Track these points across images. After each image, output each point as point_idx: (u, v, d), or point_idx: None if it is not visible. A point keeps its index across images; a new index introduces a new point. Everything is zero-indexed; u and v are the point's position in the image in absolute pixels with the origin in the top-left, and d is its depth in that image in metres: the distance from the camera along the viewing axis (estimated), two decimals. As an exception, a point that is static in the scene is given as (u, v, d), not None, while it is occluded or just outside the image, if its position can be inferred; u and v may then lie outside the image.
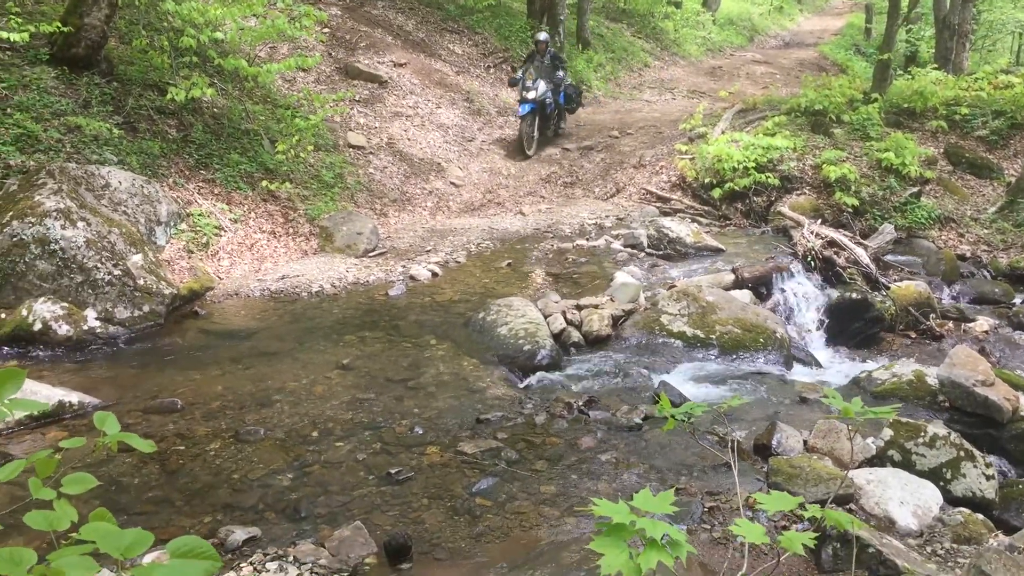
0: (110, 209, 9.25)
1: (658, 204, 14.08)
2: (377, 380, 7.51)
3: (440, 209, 14.40)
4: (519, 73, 16.11)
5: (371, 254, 11.47)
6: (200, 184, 11.18)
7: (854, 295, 10.15)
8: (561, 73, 16.59)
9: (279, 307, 9.45)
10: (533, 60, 16.29)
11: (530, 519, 5.42)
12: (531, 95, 15.67)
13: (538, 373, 7.98)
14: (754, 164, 13.50)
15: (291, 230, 11.60)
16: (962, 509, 5.51)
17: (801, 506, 1.43)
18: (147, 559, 2.79)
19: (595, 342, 8.72)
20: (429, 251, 11.66)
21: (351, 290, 10.13)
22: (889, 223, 12.30)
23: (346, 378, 7.57)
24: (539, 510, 5.51)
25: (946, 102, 15.91)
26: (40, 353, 7.86)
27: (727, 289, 9.81)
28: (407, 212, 13.97)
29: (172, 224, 10.05)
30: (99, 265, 8.49)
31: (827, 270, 10.72)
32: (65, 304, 8.18)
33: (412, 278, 10.43)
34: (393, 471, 5.96)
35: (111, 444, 1.64)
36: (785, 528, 5.21)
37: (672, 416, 1.74)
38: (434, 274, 10.64)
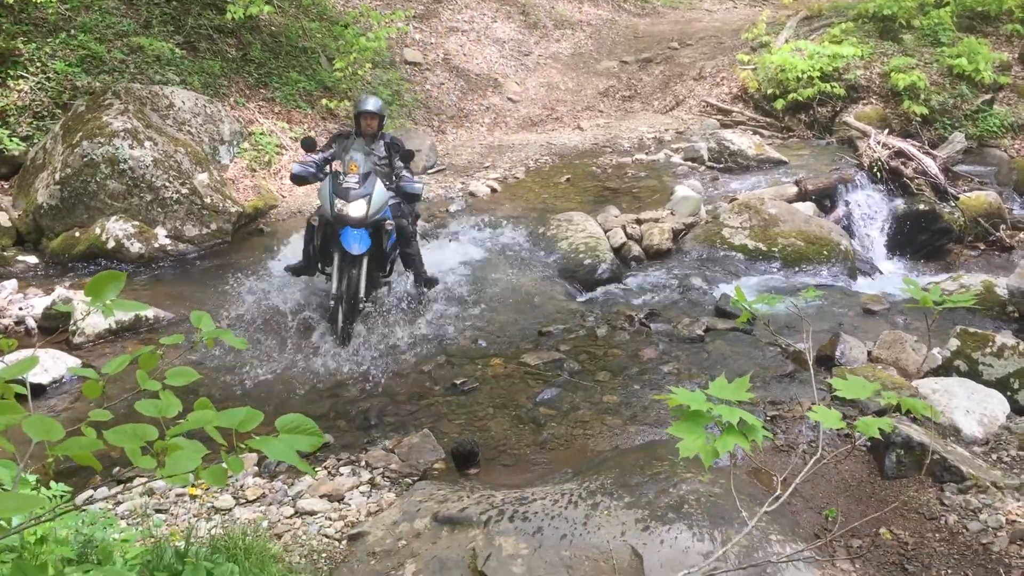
0: (175, 129, 9.39)
1: (719, 116, 13.82)
2: (438, 295, 7.62)
3: (498, 125, 14.32)
4: (318, 155, 7.21)
5: (430, 171, 11.50)
6: (260, 103, 11.26)
7: (921, 206, 9.94)
8: (407, 173, 7.35)
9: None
10: (351, 142, 7.29)
11: (593, 427, 5.52)
12: (357, 209, 6.68)
13: (599, 287, 8.02)
14: (819, 73, 13.11)
15: (351, 148, 11.67)
16: (1030, 418, 5.47)
17: (877, 393, 1.45)
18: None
19: (655, 256, 8.70)
20: (487, 167, 11.65)
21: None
22: (959, 132, 11.91)
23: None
24: (602, 419, 5.62)
25: (1022, 4, 15.18)
26: (114, 270, 8.11)
27: (790, 202, 9.66)
28: (464, 128, 13.92)
29: (235, 143, 10.18)
30: (167, 184, 8.67)
31: (894, 181, 10.48)
32: (136, 222, 8.41)
33: (471, 194, 10.46)
34: (458, 382, 6.10)
35: (207, 340, 1.73)
36: (848, 435, 5.25)
37: (747, 309, 1.77)
38: (493, 190, 10.65)
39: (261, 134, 10.64)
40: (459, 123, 13.99)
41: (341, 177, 6.70)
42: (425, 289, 7.51)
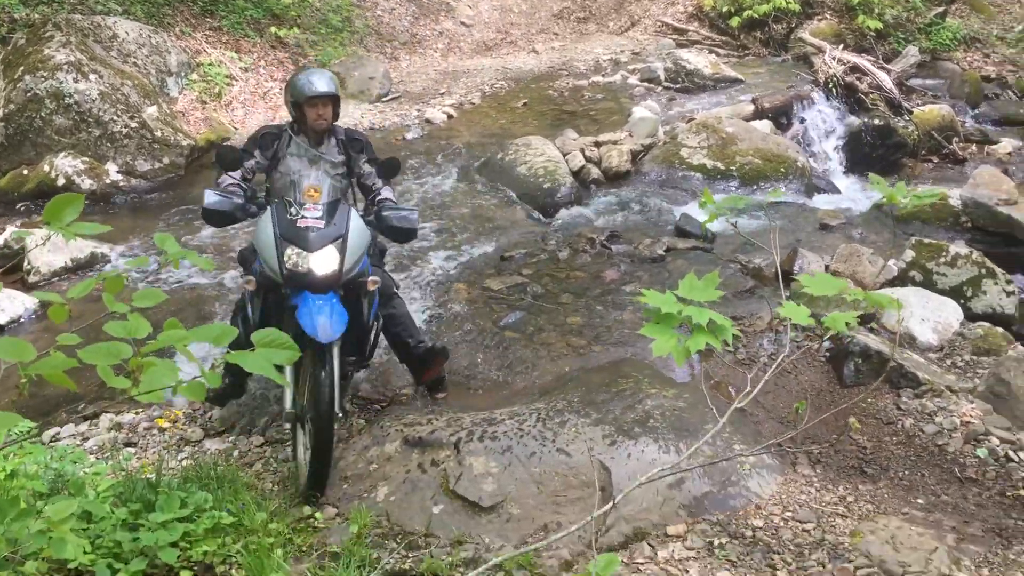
0: (120, 61, 9.11)
1: (675, 36, 13.71)
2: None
3: (452, 50, 14.08)
4: (225, 177, 4.47)
5: (385, 99, 11.32)
6: (207, 32, 10.95)
7: (876, 121, 10.00)
8: (388, 194, 4.79)
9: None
10: (286, 144, 4.59)
11: (558, 349, 5.58)
12: (325, 262, 4.00)
13: (559, 210, 8.01)
14: (774, -11, 13.01)
15: (302, 77, 11.42)
16: (982, 323, 5.61)
17: (843, 290, 1.48)
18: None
19: (615, 178, 8.69)
20: (443, 94, 11.50)
21: (367, 135, 10.05)
22: (913, 46, 11.93)
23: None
24: (566, 340, 5.67)
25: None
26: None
27: (747, 120, 9.67)
28: (418, 55, 13.68)
29: (183, 75, 9.91)
30: (115, 118, 8.44)
31: (849, 96, 10.51)
32: (86, 158, 8.20)
33: (428, 121, 10.34)
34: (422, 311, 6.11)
35: (173, 261, 1.70)
36: (808, 346, 5.36)
37: (714, 211, 1.78)
38: (449, 116, 10.53)
39: (210, 64, 10.37)
40: (412, 49, 13.74)
41: (293, 210, 4.07)
42: (433, 389, 4.99)
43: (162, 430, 4.48)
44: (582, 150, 8.88)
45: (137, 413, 4.66)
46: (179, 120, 9.26)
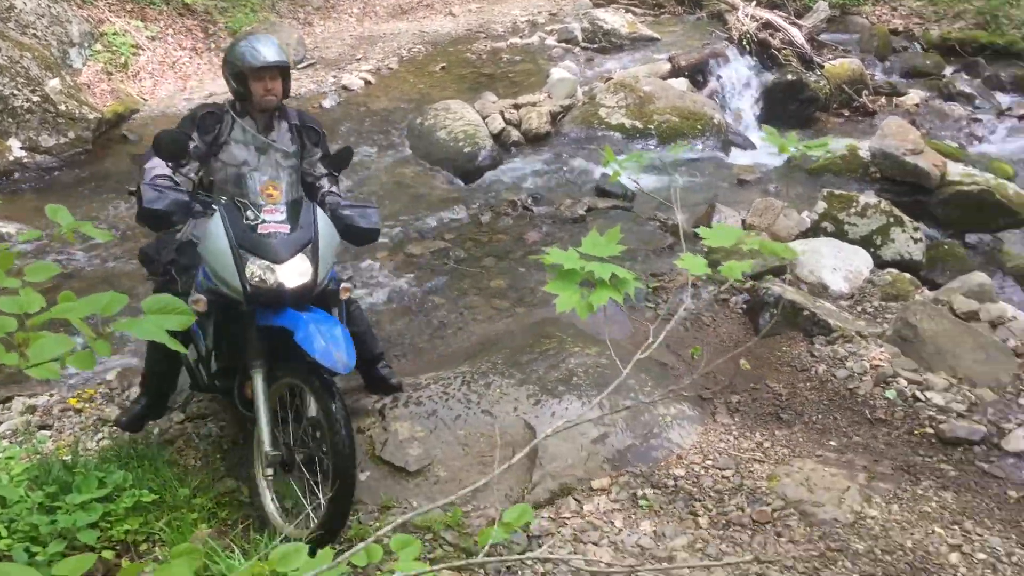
0: (18, 32, 8.75)
1: (591, -4, 13.69)
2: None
3: (367, 15, 13.84)
4: (187, 167, 3.81)
5: (300, 66, 11.08)
6: (110, 1, 10.56)
7: (789, 76, 10.16)
8: (334, 191, 4.16)
9: (210, 126, 9.20)
10: (230, 127, 3.91)
11: (482, 312, 5.59)
12: (296, 272, 3.41)
13: (480, 174, 8.00)
14: (687, -53, 13.06)
15: (213, 45, 11.12)
16: (891, 270, 5.81)
17: (741, 240, 1.52)
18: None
19: (535, 139, 8.70)
20: (360, 59, 11.31)
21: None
22: (823, 1, 12.14)
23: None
24: (490, 303, 5.69)
25: None
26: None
27: (664, 78, 9.74)
28: (332, 20, 13.42)
29: (86, 45, 9.56)
30: (16, 92, 8.11)
31: (763, 53, 10.65)
32: (-14, 136, 7.88)
33: (345, 88, 10.17)
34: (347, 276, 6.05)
35: (67, 234, 1.66)
36: (726, 300, 5.47)
37: (616, 167, 1.80)
38: (367, 82, 10.37)
39: (114, 34, 10.01)
40: (326, 14, 13.47)
41: (250, 213, 3.44)
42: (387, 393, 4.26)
43: (77, 411, 4.38)
44: (502, 113, 8.86)
45: (51, 396, 4.54)
46: (84, 93, 8.94)
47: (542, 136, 8.73)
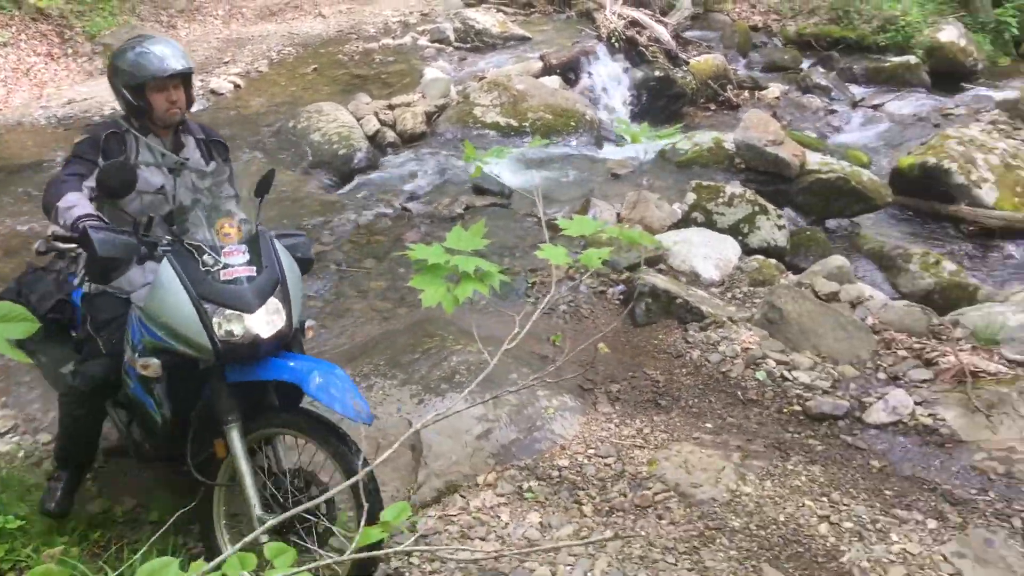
0: None
1: (462, -4, 13.73)
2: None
3: (233, 17, 13.51)
4: (74, 203, 3.05)
5: (164, 70, 10.73)
6: (-46, 6, 10.00)
7: (657, 73, 10.44)
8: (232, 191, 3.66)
9: (71, 134, 8.80)
10: (135, 149, 3.36)
11: (363, 314, 5.56)
12: (271, 319, 2.95)
13: (357, 176, 7.93)
14: (555, -53, 13.25)
15: (70, 51, 10.66)
16: (758, 256, 6.05)
17: (600, 228, 1.57)
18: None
19: (411, 140, 8.69)
20: (228, 62, 11.04)
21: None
22: (687, -1, 12.54)
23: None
24: (371, 305, 5.66)
25: None
26: None
27: (536, 77, 9.87)
28: (197, 23, 13.04)
29: (-71, 53, 9.03)
30: None
31: (631, 50, 10.91)
32: None
33: (213, 92, 9.91)
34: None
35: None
36: (603, 292, 5.59)
37: (479, 163, 1.83)
38: (236, 86, 10.13)
39: (-40, 40, 9.49)
40: (191, 17, 13.08)
41: (207, 258, 2.94)
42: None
43: (-66, 439, 4.14)
44: (376, 114, 8.82)
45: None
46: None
47: (418, 136, 8.73)
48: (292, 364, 2.95)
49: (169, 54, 3.25)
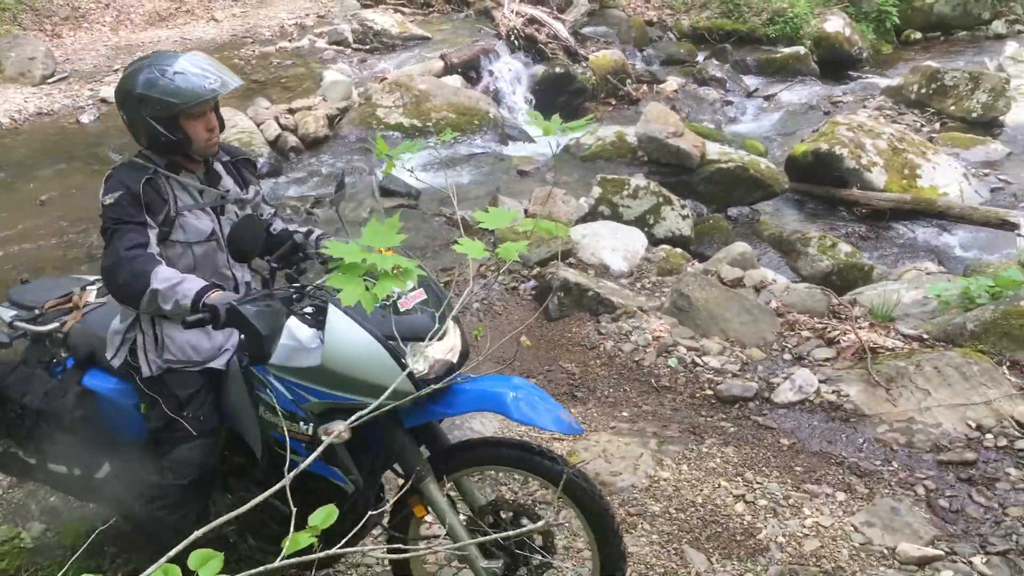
0: None
1: (359, -3, 13.61)
2: (82, 215, 7.01)
3: (122, 23, 13.09)
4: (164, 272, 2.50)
5: (51, 80, 10.34)
6: None
7: (557, 69, 10.55)
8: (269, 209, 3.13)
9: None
10: (179, 200, 2.72)
11: (274, 322, 5.45)
12: (455, 340, 2.62)
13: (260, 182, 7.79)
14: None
15: (-54, 63, 10.17)
16: (664, 246, 6.18)
17: (515, 219, 1.58)
18: None
19: (314, 144, 8.58)
20: (118, 70, 10.67)
21: (36, 122, 9.18)
22: (583, -5, 12.69)
23: (49, 215, 7.02)
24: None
25: None
26: None
27: (438, 76, 9.86)
28: (84, 30, 12.59)
29: None
30: None
31: (531, 47, 11.00)
32: None
33: (104, 101, 9.58)
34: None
35: None
36: (515, 288, 5.62)
37: (389, 157, 1.82)
38: (128, 94, 9.82)
39: None
40: (76, 24, 12.63)
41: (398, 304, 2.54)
42: None
43: None
44: (276, 118, 8.68)
45: None
46: None
47: (321, 140, 8.64)
48: (475, 389, 2.56)
49: (211, 70, 2.67)
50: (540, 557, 2.61)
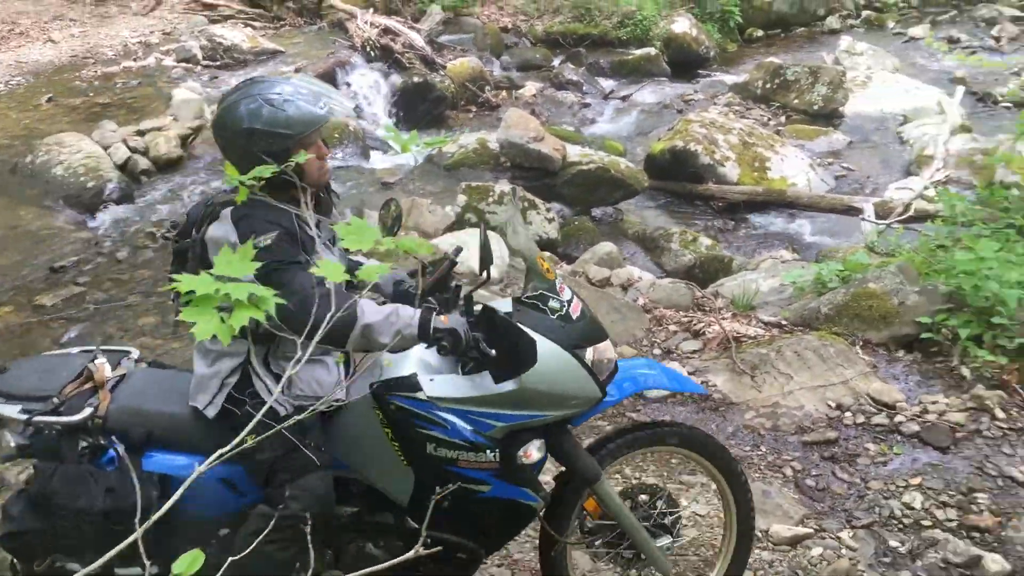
0: None
1: (206, 13, 13.19)
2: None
3: (-53, 47, 12.30)
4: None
5: None
6: None
7: (415, 79, 10.49)
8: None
9: None
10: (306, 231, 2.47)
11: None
12: (611, 344, 2.79)
13: (110, 208, 7.45)
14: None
15: None
16: (532, 251, 6.22)
17: (378, 239, 1.54)
18: None
19: (167, 165, 8.26)
20: (-55, 99, 10.04)
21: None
22: (436, 5, 12.65)
23: None
24: (143, 344, 5.32)
25: None
26: None
27: (294, 90, 9.66)
28: (-96, 56, 11.77)
29: None
30: None
31: (387, 58, 10.91)
32: None
33: (-67, 132, 8.99)
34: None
35: None
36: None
37: (241, 183, 1.76)
38: (-41, 122, 9.24)
39: None
40: None
41: (553, 302, 2.53)
42: None
43: None
44: (125, 141, 8.32)
45: None
46: None
47: (174, 160, 8.33)
48: (623, 376, 2.68)
49: (322, 92, 2.33)
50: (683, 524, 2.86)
